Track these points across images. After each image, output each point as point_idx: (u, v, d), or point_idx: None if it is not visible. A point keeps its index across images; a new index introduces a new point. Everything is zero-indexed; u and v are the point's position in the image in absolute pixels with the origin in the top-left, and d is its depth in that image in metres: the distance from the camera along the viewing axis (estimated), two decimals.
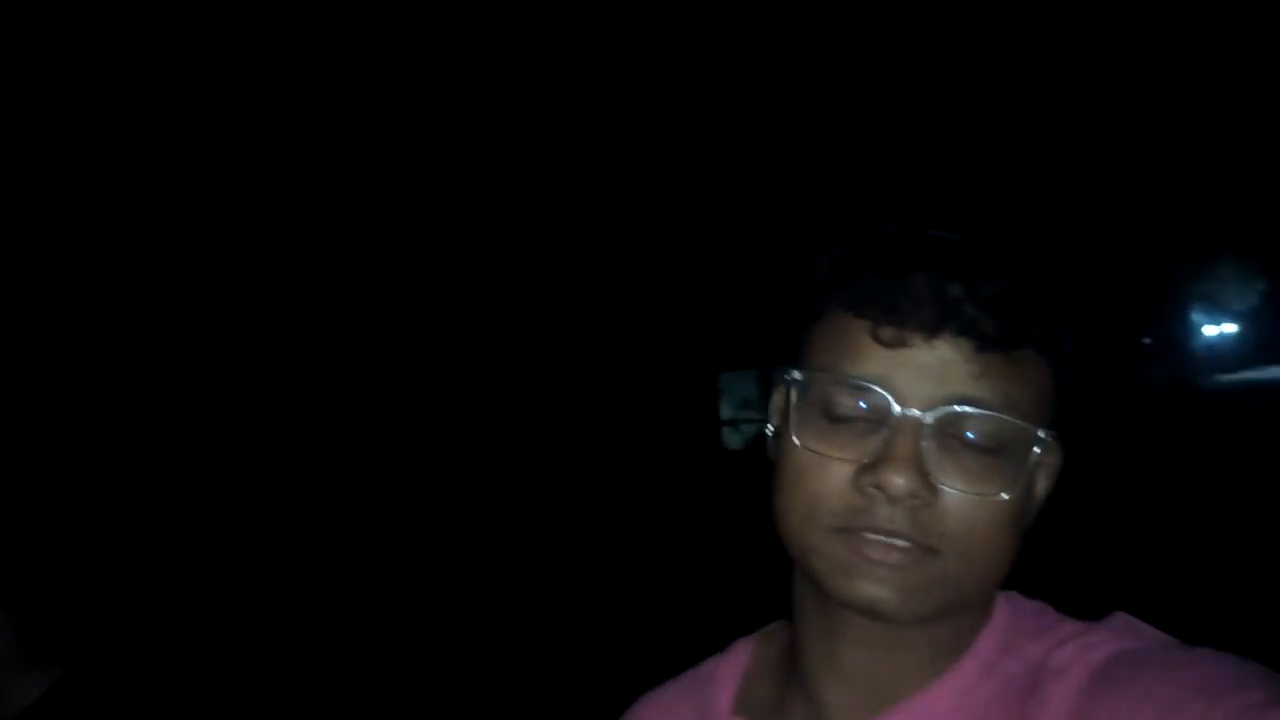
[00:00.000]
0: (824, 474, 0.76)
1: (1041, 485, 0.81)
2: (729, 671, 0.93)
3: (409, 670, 6.98)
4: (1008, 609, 0.84)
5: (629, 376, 15.87)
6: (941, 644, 0.80)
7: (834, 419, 0.76)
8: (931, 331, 0.73)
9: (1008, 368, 0.74)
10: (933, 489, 0.73)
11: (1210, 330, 43.96)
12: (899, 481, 0.72)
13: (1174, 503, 10.49)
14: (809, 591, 0.83)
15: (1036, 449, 0.75)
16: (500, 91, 14.18)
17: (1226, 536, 8.58)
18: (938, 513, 0.73)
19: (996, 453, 0.74)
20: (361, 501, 12.24)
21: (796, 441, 0.78)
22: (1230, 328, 43.88)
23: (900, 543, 0.73)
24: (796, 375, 0.79)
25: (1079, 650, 0.77)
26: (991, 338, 0.72)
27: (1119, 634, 0.78)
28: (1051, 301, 0.76)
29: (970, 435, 0.74)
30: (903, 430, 0.73)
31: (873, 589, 0.74)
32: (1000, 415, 0.73)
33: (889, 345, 0.74)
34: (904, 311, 0.73)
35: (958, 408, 0.73)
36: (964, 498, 0.73)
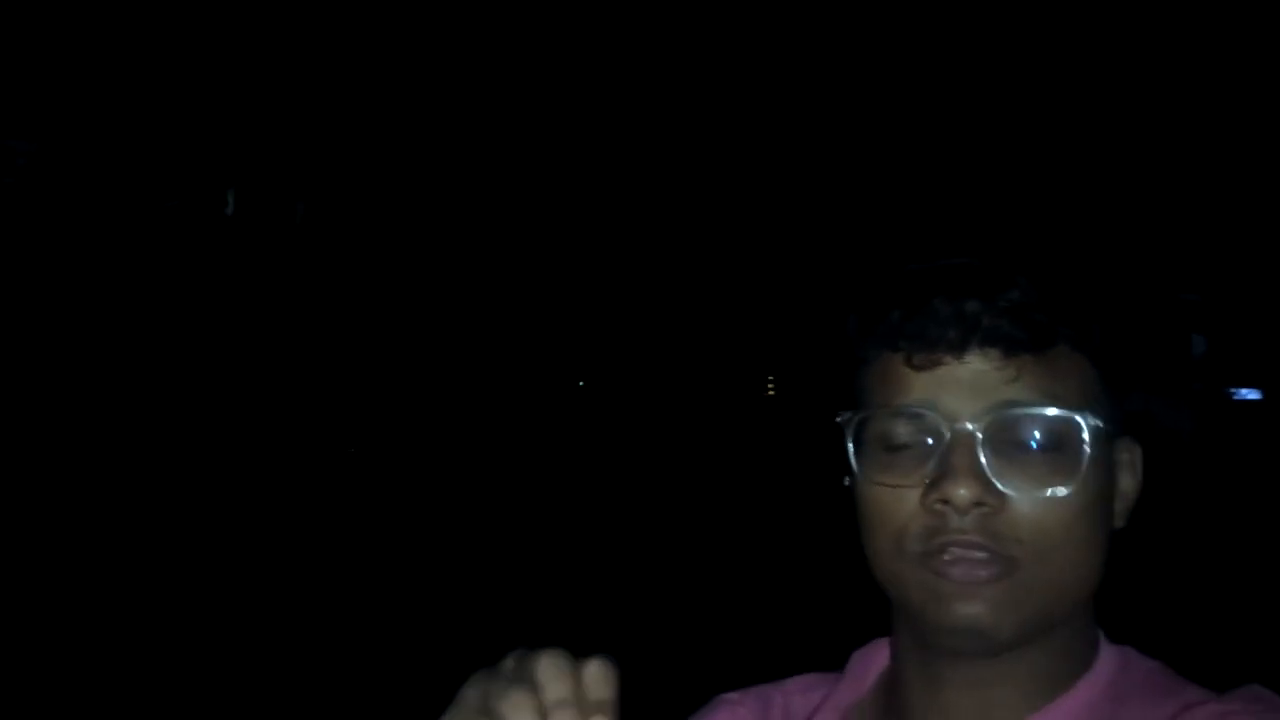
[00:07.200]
0: (896, 503, 0.79)
1: (1126, 482, 0.83)
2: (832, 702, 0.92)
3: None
4: (1119, 659, 0.83)
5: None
6: (1041, 679, 0.80)
7: (893, 449, 0.80)
8: (960, 349, 0.77)
9: (1041, 367, 0.77)
10: (998, 495, 0.75)
11: None
12: (961, 491, 0.75)
13: None
14: (908, 635, 0.85)
15: (1086, 435, 0.76)
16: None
17: None
18: (1009, 518, 0.76)
19: (1053, 450, 0.76)
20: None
21: (863, 478, 0.81)
22: None
23: (978, 554, 0.76)
24: (850, 415, 0.83)
25: (1212, 718, 0.74)
26: (1015, 343, 0.76)
27: (1257, 708, 0.74)
28: (1072, 298, 0.79)
29: (1024, 438, 0.77)
30: (957, 444, 0.76)
31: (966, 608, 0.76)
32: (1042, 410, 0.76)
33: (926, 369, 0.78)
34: (931, 336, 0.77)
35: (1002, 412, 0.76)
36: (1030, 498, 0.76)
